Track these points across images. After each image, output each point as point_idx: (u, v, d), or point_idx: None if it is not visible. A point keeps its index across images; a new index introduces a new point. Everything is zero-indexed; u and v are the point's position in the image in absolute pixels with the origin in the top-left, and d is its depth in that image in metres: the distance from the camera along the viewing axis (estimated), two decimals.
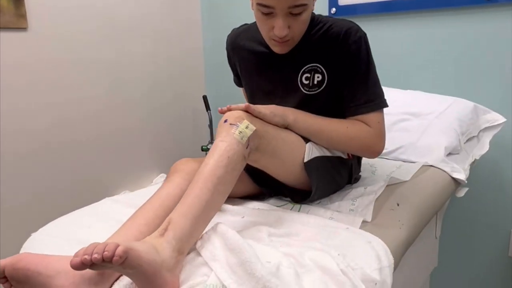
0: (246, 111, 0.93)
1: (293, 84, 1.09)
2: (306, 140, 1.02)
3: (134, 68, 2.14)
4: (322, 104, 1.07)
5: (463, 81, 1.66)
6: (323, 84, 1.07)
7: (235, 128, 0.87)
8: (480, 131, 1.50)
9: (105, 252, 0.62)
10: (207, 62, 2.54)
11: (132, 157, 2.19)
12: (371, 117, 1.03)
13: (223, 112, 0.96)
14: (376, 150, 1.04)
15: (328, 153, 1.06)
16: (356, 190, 1.10)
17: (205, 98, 2.43)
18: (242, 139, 0.86)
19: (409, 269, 1.25)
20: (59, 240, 0.90)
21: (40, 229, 0.96)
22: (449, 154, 1.39)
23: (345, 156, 1.11)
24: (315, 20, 1.08)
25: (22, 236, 0.98)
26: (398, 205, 1.05)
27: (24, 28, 1.70)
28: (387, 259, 0.83)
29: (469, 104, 1.51)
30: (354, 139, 1.03)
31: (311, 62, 1.07)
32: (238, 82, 1.34)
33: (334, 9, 1.93)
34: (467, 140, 1.46)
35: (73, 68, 1.89)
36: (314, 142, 1.03)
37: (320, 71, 1.06)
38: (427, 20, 1.73)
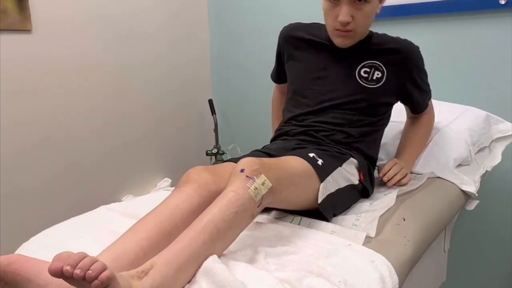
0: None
1: (351, 74, 1.18)
2: (321, 177, 0.99)
3: (139, 73, 2.13)
4: (375, 99, 1.18)
5: (475, 89, 1.61)
6: (381, 81, 1.18)
7: (251, 183, 0.80)
8: (492, 141, 1.44)
9: (89, 271, 0.59)
10: (213, 69, 2.52)
11: (136, 161, 2.17)
12: (429, 105, 1.34)
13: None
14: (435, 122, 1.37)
15: (341, 184, 1.04)
16: (360, 205, 1.06)
17: (210, 102, 2.40)
18: (256, 196, 0.80)
19: (415, 284, 1.19)
20: (50, 251, 0.86)
21: (32, 239, 0.94)
22: (459, 165, 1.34)
23: (356, 182, 1.09)
24: (374, 33, 1.23)
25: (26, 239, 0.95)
26: (404, 219, 1.01)
27: (28, 31, 1.69)
28: (391, 280, 0.79)
29: (481, 113, 1.46)
30: (429, 132, 1.35)
31: (372, 60, 1.19)
32: (276, 75, 1.46)
33: None
34: (478, 151, 1.40)
35: (78, 72, 1.87)
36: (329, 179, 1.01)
37: (380, 69, 1.18)
38: (436, 25, 1.68)
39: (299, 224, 0.98)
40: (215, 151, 2.32)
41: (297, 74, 1.29)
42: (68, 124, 1.86)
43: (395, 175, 1.18)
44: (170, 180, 2.30)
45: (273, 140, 1.32)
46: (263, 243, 0.87)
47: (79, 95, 1.89)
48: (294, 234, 0.91)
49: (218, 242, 0.76)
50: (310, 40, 1.25)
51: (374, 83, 1.18)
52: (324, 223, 0.97)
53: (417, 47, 1.22)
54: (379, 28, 1.76)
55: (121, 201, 2.09)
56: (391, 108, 1.28)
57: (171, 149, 2.35)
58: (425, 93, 1.29)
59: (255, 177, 0.81)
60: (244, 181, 0.80)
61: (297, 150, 1.10)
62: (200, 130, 2.50)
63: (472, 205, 1.33)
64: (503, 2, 1.49)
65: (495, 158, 1.39)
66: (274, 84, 2.25)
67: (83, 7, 1.85)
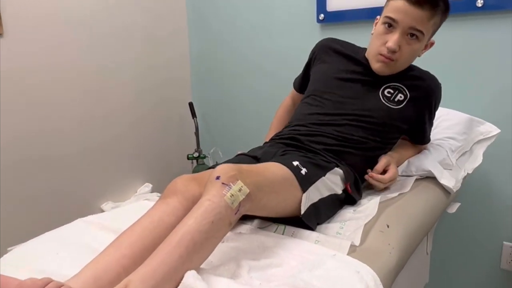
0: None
1: (374, 91, 1.21)
2: (304, 187, 0.97)
3: (117, 75, 2.07)
4: (392, 120, 1.20)
5: (454, 91, 1.62)
6: (401, 104, 1.21)
7: (227, 189, 0.78)
8: (474, 143, 1.45)
9: None
10: (193, 69, 2.47)
11: (115, 166, 2.12)
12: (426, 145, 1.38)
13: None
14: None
15: (324, 194, 1.03)
16: (344, 212, 1.05)
17: (191, 105, 2.37)
18: (233, 203, 0.77)
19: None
20: (23, 271, 0.82)
21: (2, 258, 0.89)
22: None
23: (339, 191, 1.08)
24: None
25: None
26: (388, 226, 1.00)
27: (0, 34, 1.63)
28: None
29: (462, 117, 1.46)
30: (420, 150, 1.37)
31: (397, 82, 1.22)
32: (300, 82, 1.45)
33: (322, 16, 1.87)
34: (460, 156, 1.41)
35: (52, 75, 1.81)
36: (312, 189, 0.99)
37: (404, 93, 1.21)
38: None
39: (283, 234, 0.96)
40: (196, 155, 2.29)
41: (320, 74, 1.31)
42: (43, 128, 1.80)
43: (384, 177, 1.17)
44: (150, 185, 2.26)
45: (271, 139, 1.29)
46: (246, 256, 0.85)
47: (53, 98, 1.83)
48: (278, 245, 0.90)
49: (196, 254, 0.73)
50: (346, 54, 1.29)
51: (395, 104, 1.21)
52: (308, 232, 0.95)
53: (440, 84, 1.26)
54: (355, 32, 1.78)
55: (100, 208, 2.06)
56: (400, 137, 1.30)
57: (151, 153, 2.30)
58: (431, 127, 1.33)
59: (231, 184, 0.79)
60: (219, 188, 0.78)
61: (281, 157, 1.08)
62: (180, 133, 2.46)
63: (453, 208, 1.34)
64: (480, 5, 1.51)
65: (476, 159, 1.40)
66: (256, 87, 2.24)
67: (57, 6, 1.80)
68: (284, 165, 0.97)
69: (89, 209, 2.01)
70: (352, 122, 1.18)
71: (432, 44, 1.21)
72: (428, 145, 1.40)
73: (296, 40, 2.03)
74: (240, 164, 0.86)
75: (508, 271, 1.66)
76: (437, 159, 1.30)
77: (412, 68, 1.25)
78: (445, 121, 1.46)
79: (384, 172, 1.18)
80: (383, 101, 1.20)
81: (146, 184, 2.27)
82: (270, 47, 2.14)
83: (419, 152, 1.38)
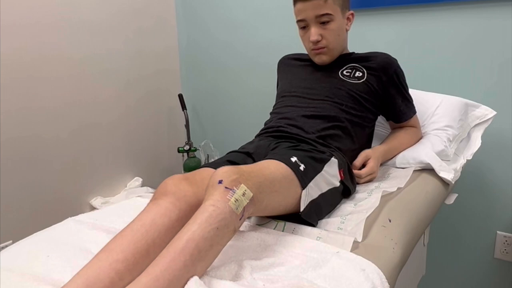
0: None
1: (335, 75, 1.29)
2: (303, 183, 0.95)
3: (105, 67, 2.01)
4: (357, 92, 1.25)
5: (451, 77, 1.62)
6: (362, 79, 1.27)
7: (231, 194, 0.75)
8: (471, 129, 1.44)
9: None
10: (182, 60, 2.41)
11: (104, 160, 2.06)
12: (414, 119, 1.37)
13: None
14: (420, 138, 1.40)
15: (324, 189, 1.01)
16: (345, 206, 1.02)
17: (180, 96, 2.31)
18: (237, 209, 0.74)
19: (398, 283, 1.18)
20: (12, 275, 0.78)
21: None
22: None
23: (337, 183, 1.06)
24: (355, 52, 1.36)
25: None
26: (390, 221, 0.98)
27: None
28: None
29: (457, 101, 1.44)
30: (414, 141, 1.37)
31: (353, 63, 1.30)
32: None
33: None
34: (458, 144, 1.39)
35: (37, 68, 1.74)
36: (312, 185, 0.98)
37: (361, 70, 1.29)
38: (409, 16, 1.66)
39: (283, 231, 0.93)
40: (187, 147, 2.25)
41: (285, 81, 1.42)
42: (29, 120, 1.73)
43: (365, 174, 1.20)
44: (141, 179, 2.21)
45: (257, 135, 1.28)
46: (247, 255, 0.82)
47: (39, 91, 1.76)
48: (279, 243, 0.87)
49: (200, 262, 0.70)
50: (299, 63, 1.41)
51: (356, 79, 1.28)
52: (309, 228, 0.93)
53: (395, 59, 1.31)
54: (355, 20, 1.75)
55: (89, 203, 2.00)
56: (377, 113, 1.33)
57: (141, 147, 2.25)
58: (409, 102, 1.35)
59: (234, 188, 0.76)
60: (223, 193, 0.75)
61: (277, 152, 1.05)
62: (170, 126, 2.40)
63: (451, 199, 1.32)
64: None
65: (475, 143, 1.38)
66: (248, 78, 2.20)
67: None
68: (283, 162, 0.94)
69: (78, 205, 1.96)
70: (326, 102, 1.23)
71: (352, 14, 1.30)
72: (425, 136, 1.38)
73: (287, 31, 1.99)
74: (240, 166, 0.83)
75: (501, 261, 1.67)
76: (435, 150, 1.28)
77: (356, 53, 1.35)
78: (440, 108, 1.43)
79: (364, 166, 1.21)
80: (344, 78, 1.28)
81: (136, 178, 2.22)
82: (262, 37, 2.10)
83: (415, 142, 1.36)
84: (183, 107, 2.29)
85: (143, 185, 2.21)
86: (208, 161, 2.27)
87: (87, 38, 1.92)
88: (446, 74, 1.63)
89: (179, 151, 2.25)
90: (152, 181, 2.27)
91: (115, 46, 2.04)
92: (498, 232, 1.65)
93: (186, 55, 2.40)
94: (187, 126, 2.29)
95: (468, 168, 1.58)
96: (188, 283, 0.67)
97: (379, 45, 1.72)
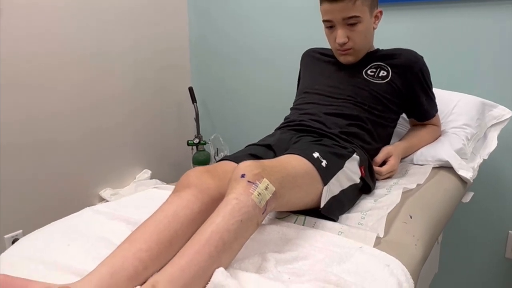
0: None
1: (359, 75, 1.26)
2: (325, 180, 0.94)
3: (115, 59, 2.00)
4: (380, 93, 1.23)
5: (469, 75, 1.60)
6: (386, 78, 1.24)
7: (254, 188, 0.74)
8: (487, 128, 1.42)
9: None
10: (192, 54, 2.40)
11: (114, 152, 2.06)
12: (436, 117, 1.36)
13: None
14: (439, 136, 1.39)
15: (344, 185, 1.00)
16: (365, 202, 1.01)
17: (191, 90, 2.30)
18: (260, 202, 0.74)
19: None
20: (33, 263, 0.78)
21: (9, 249, 0.83)
22: None
23: (358, 180, 1.05)
24: (380, 49, 1.32)
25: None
26: (411, 217, 0.97)
27: None
28: (408, 285, 0.74)
29: (475, 101, 1.43)
30: (433, 139, 1.36)
31: (377, 62, 1.27)
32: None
33: None
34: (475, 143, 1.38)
35: (49, 58, 1.73)
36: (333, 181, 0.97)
37: (386, 69, 1.26)
38: (425, 12, 1.64)
39: (303, 225, 0.92)
40: (196, 141, 2.24)
41: (308, 76, 1.40)
42: (41, 114, 1.73)
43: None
44: (150, 172, 2.21)
45: (278, 128, 1.28)
46: (270, 248, 0.81)
47: (52, 84, 1.76)
48: (300, 237, 0.86)
49: (224, 254, 0.70)
50: (324, 58, 1.38)
51: (380, 79, 1.25)
52: (330, 223, 0.92)
53: (421, 56, 1.27)
54: None
55: (98, 194, 2.00)
56: (399, 112, 1.32)
57: (150, 140, 2.24)
58: (432, 100, 1.33)
59: (257, 182, 0.76)
60: (246, 187, 0.75)
61: (298, 147, 1.04)
62: (180, 119, 2.40)
63: (467, 197, 1.31)
64: None
65: (491, 144, 1.37)
66: (257, 72, 2.19)
67: None
68: (305, 157, 0.94)
69: (87, 196, 1.96)
70: (348, 102, 1.22)
71: (380, 12, 1.26)
72: (443, 134, 1.37)
73: (297, 27, 1.98)
74: (262, 161, 0.83)
75: None
76: (453, 148, 1.27)
77: (382, 50, 1.31)
78: (457, 107, 1.42)
79: (385, 163, 1.20)
80: (368, 78, 1.25)
81: (145, 170, 2.21)
82: (271, 33, 2.08)
83: (434, 140, 1.35)
84: (193, 100, 2.28)
85: (152, 177, 2.21)
86: (217, 155, 2.26)
87: (100, 35, 1.92)
88: (462, 72, 1.62)
89: (188, 144, 2.24)
90: (161, 173, 2.27)
91: (127, 42, 2.04)
92: (510, 231, 1.64)
93: (197, 50, 2.39)
94: (197, 119, 2.28)
95: (481, 167, 1.57)
96: (215, 274, 0.67)
97: (397, 41, 1.71)
